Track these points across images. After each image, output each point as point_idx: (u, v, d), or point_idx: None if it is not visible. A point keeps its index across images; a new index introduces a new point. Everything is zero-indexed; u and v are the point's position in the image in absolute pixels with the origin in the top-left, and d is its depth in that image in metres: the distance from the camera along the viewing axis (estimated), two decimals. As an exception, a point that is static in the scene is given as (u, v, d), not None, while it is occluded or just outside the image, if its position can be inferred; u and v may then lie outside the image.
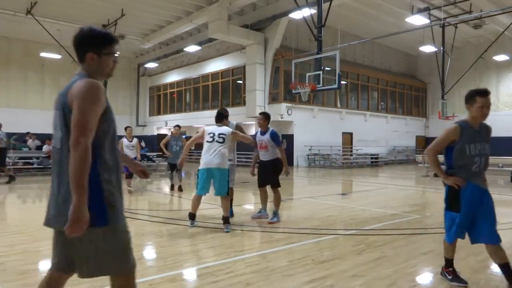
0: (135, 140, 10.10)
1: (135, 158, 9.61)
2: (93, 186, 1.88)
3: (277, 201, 6.31)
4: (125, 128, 10.22)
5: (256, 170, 6.64)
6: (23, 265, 3.95)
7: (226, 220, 5.58)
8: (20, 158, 15.97)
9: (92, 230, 1.88)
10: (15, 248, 4.56)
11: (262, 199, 6.48)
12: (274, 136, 6.23)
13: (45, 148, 16.19)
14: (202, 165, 5.54)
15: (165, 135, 30.67)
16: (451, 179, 3.33)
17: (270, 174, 6.25)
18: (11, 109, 24.35)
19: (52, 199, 2.00)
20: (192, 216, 5.67)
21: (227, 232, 5.40)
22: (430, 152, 3.51)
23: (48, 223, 2.01)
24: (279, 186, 6.37)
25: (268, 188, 6.45)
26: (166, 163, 11.07)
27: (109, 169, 1.98)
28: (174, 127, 10.64)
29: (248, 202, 9.30)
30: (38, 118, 24.09)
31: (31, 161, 16.00)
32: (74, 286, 3.35)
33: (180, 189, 10.26)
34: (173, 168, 10.26)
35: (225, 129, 5.71)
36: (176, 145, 10.26)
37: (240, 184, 12.26)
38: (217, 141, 5.57)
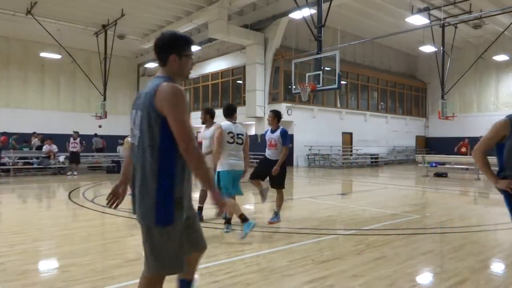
0: None
1: None
2: (165, 187, 2.03)
3: (280, 201, 6.26)
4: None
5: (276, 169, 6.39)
6: (23, 265, 3.95)
7: (228, 220, 5.56)
8: (20, 158, 15.97)
9: (155, 228, 2.05)
10: (15, 248, 4.56)
11: (256, 186, 6.21)
12: (284, 134, 6.11)
13: (45, 148, 16.20)
14: (227, 166, 5.29)
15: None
16: (504, 182, 2.77)
17: (277, 175, 6.12)
18: (11, 109, 24.36)
19: (138, 194, 2.13)
20: (228, 221, 5.55)
21: (227, 232, 5.40)
22: (476, 153, 2.90)
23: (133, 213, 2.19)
24: (284, 187, 6.31)
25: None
26: None
27: (182, 170, 2.10)
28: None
29: (248, 202, 9.29)
30: (38, 118, 24.13)
31: (31, 161, 16.01)
32: (74, 286, 3.36)
33: None
34: None
35: (241, 129, 5.48)
36: None
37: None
38: (237, 142, 5.39)
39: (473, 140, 21.32)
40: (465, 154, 19.04)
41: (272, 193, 6.39)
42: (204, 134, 6.26)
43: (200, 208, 6.17)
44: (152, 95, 2.03)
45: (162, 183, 2.02)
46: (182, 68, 2.19)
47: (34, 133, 19.20)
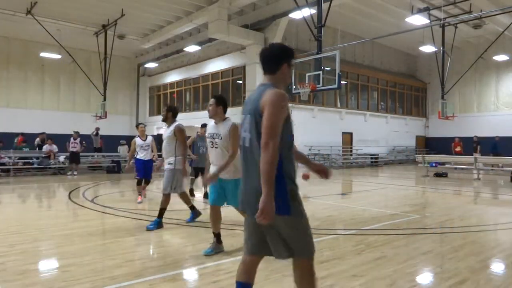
0: (149, 138, 8.58)
1: (151, 160, 8.53)
2: (279, 181, 2.22)
3: None
4: (137, 126, 8.93)
5: None
6: (23, 265, 3.95)
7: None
8: (20, 158, 15.97)
9: (278, 218, 2.20)
10: (15, 248, 4.56)
11: None
12: None
13: (45, 148, 16.20)
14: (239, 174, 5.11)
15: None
16: None
17: None
18: (11, 109, 24.35)
19: (243, 188, 2.42)
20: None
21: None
22: None
23: (242, 208, 2.45)
24: None
25: None
26: (190, 167, 9.01)
27: (290, 168, 2.31)
28: (202, 126, 9.02)
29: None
30: (38, 118, 24.13)
31: (31, 161, 16.00)
32: (74, 286, 3.36)
33: (192, 193, 8.99)
34: (198, 173, 9.01)
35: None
36: (203, 147, 8.71)
37: (240, 184, 12.26)
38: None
39: (467, 140, 21.35)
40: (459, 153, 19.11)
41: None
42: (164, 132, 5.92)
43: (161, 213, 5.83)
44: (258, 100, 2.25)
45: (276, 179, 2.20)
46: (287, 77, 2.45)
47: (43, 133, 18.89)
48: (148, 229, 5.57)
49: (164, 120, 5.94)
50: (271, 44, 2.48)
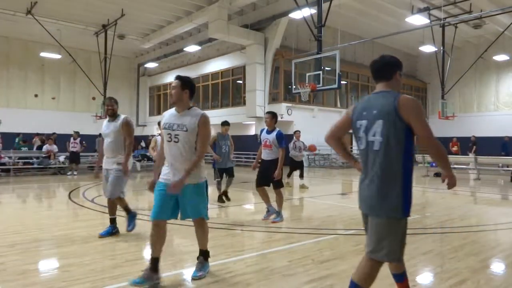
0: None
1: None
2: (408, 180, 2.44)
3: (280, 201, 6.29)
4: (159, 123, 8.19)
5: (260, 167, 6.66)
6: (23, 265, 3.95)
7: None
8: (20, 158, 15.97)
9: (402, 220, 2.45)
10: (15, 248, 4.56)
11: (264, 198, 6.36)
12: (279, 136, 6.14)
13: (45, 148, 16.20)
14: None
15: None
16: None
17: (272, 175, 6.14)
18: (11, 109, 24.36)
19: (366, 191, 2.52)
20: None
21: None
22: None
23: (367, 211, 2.56)
24: (282, 186, 6.34)
25: (268, 189, 6.40)
26: (213, 168, 8.36)
27: (412, 168, 2.50)
28: (223, 124, 8.36)
29: (247, 202, 9.29)
30: (38, 118, 24.14)
31: (31, 161, 16.00)
32: (74, 286, 3.36)
33: (226, 196, 8.37)
34: (223, 174, 8.34)
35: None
36: (225, 145, 8.22)
37: (239, 184, 12.26)
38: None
39: (467, 140, 21.29)
40: (456, 153, 19.13)
41: (269, 190, 6.38)
42: (106, 128, 5.11)
43: (113, 220, 5.23)
44: (396, 106, 2.43)
45: (405, 180, 2.42)
46: (399, 84, 2.75)
47: (54, 133, 18.70)
48: (102, 236, 4.98)
49: (111, 114, 5.13)
50: (383, 55, 2.78)
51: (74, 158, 15.41)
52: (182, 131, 3.43)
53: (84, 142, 16.06)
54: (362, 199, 2.57)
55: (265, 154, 6.28)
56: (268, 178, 6.18)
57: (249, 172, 6.77)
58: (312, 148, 11.63)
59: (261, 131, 6.46)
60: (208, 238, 3.76)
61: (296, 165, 11.50)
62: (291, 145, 11.36)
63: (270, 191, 6.34)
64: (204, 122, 3.46)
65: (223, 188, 8.28)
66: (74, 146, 15.27)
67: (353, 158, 2.94)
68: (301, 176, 11.52)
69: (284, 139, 6.19)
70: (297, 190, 11.01)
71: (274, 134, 6.16)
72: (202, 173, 3.61)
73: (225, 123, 8.37)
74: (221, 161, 8.09)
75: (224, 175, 8.29)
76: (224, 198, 8.25)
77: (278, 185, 6.26)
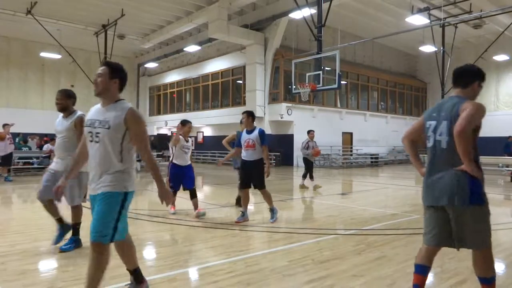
0: (190, 140, 7.02)
1: (189, 165, 6.77)
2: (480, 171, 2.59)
3: (269, 199, 6.20)
4: (183, 123, 6.92)
5: (221, 162, 7.01)
6: (23, 265, 3.95)
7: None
8: (20, 158, 15.95)
9: (477, 208, 2.60)
10: (15, 248, 4.56)
11: (245, 201, 6.18)
12: (262, 134, 6.03)
13: (46, 147, 16.16)
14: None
15: (165, 135, 30.75)
16: None
17: (257, 176, 6.04)
18: (11, 109, 24.36)
19: (432, 185, 2.78)
20: None
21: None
22: None
23: (436, 203, 2.74)
24: (264, 187, 6.16)
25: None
26: (236, 169, 7.60)
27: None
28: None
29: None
30: (38, 118, 24.13)
31: (31, 161, 15.98)
32: (74, 286, 3.36)
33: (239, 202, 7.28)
34: None
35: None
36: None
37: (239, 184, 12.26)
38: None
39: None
40: None
41: (256, 193, 6.38)
42: (59, 125, 4.56)
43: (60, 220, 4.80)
44: (456, 109, 2.61)
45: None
46: (477, 94, 2.81)
47: (36, 135, 18.82)
48: (63, 250, 4.42)
49: (62, 110, 4.55)
50: (467, 64, 2.90)
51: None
52: (104, 128, 2.75)
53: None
54: (433, 192, 2.74)
55: (248, 155, 6.09)
56: (253, 179, 6.08)
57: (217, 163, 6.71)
58: (316, 154, 11.44)
59: (240, 133, 6.30)
60: (103, 271, 2.87)
61: (311, 165, 11.34)
62: (304, 145, 11.23)
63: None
64: (132, 116, 2.76)
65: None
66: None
67: (420, 163, 3.06)
68: (311, 177, 11.28)
69: (266, 136, 6.11)
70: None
71: (256, 132, 6.03)
72: (126, 182, 2.79)
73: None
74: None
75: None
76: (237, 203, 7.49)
77: (262, 185, 6.11)
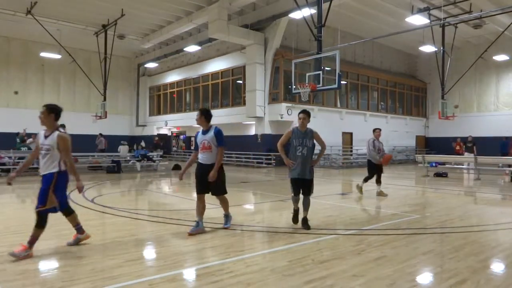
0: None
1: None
2: None
3: (226, 205, 5.63)
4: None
5: (185, 175, 5.72)
6: (23, 265, 3.95)
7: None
8: (20, 158, 15.95)
9: None
10: (15, 248, 4.56)
11: (200, 209, 5.40)
12: (218, 133, 5.32)
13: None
14: None
15: (165, 135, 30.78)
16: None
17: (216, 181, 5.30)
18: (11, 109, 24.37)
19: None
20: None
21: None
22: None
23: None
24: (225, 192, 5.53)
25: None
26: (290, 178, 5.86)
27: None
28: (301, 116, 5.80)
29: (248, 202, 9.30)
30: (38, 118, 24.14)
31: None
32: (74, 286, 3.36)
33: (305, 224, 5.71)
34: (299, 188, 5.82)
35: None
36: (302, 145, 5.74)
37: (239, 184, 12.28)
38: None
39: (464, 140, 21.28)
40: (458, 152, 19.23)
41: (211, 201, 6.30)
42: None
43: None
44: None
45: None
46: None
47: (100, 134, 18.70)
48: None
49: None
50: None
51: None
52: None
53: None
54: None
55: (204, 158, 5.36)
56: (210, 184, 5.32)
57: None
58: (386, 160, 9.61)
59: (196, 134, 5.57)
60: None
61: (374, 169, 9.55)
62: (370, 145, 9.53)
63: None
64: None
65: (301, 210, 5.77)
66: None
67: None
68: (379, 181, 9.55)
69: (222, 136, 5.38)
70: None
71: (212, 132, 5.32)
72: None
73: (303, 112, 5.85)
74: (294, 168, 5.68)
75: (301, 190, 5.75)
76: (301, 223, 5.72)
77: (221, 191, 5.46)
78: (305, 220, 5.70)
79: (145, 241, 5.10)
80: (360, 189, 9.67)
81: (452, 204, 8.41)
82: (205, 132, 5.39)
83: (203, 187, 5.36)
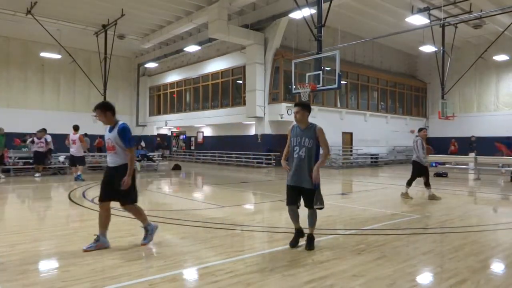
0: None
1: None
2: None
3: (139, 215, 4.86)
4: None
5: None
6: (23, 265, 3.95)
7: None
8: (20, 158, 15.95)
9: None
10: (15, 248, 4.56)
11: (103, 220, 4.62)
12: (121, 131, 4.48)
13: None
14: None
15: (165, 135, 30.80)
16: None
17: (119, 187, 4.48)
18: (11, 109, 24.37)
19: None
20: None
21: None
22: None
23: None
24: (134, 201, 4.74)
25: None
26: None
27: None
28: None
29: (248, 202, 9.29)
30: (38, 118, 24.13)
31: (31, 161, 15.96)
32: (74, 286, 3.36)
33: (310, 243, 4.71)
34: (296, 197, 4.84)
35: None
36: (298, 147, 4.79)
37: (239, 184, 12.28)
38: None
39: (465, 140, 21.30)
40: (454, 152, 19.26)
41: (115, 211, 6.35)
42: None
43: None
44: None
45: None
46: None
47: (101, 137, 18.57)
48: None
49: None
50: None
51: (38, 158, 14.49)
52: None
53: (50, 141, 14.80)
54: None
55: (110, 159, 4.63)
56: (115, 189, 4.51)
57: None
58: (430, 153, 9.34)
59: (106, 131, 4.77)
60: None
61: (421, 171, 9.07)
62: (418, 146, 8.92)
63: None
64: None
65: (305, 228, 4.78)
66: (40, 146, 14.47)
67: None
68: (427, 184, 9.04)
69: (129, 136, 4.52)
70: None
71: (115, 131, 4.50)
72: None
73: (304, 107, 4.81)
74: (291, 173, 4.70)
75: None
76: (305, 241, 4.68)
77: (127, 199, 4.65)
78: (309, 239, 4.62)
79: (145, 241, 5.09)
80: (406, 195, 9.07)
81: (452, 204, 8.41)
82: (110, 129, 4.58)
83: (107, 193, 4.58)
